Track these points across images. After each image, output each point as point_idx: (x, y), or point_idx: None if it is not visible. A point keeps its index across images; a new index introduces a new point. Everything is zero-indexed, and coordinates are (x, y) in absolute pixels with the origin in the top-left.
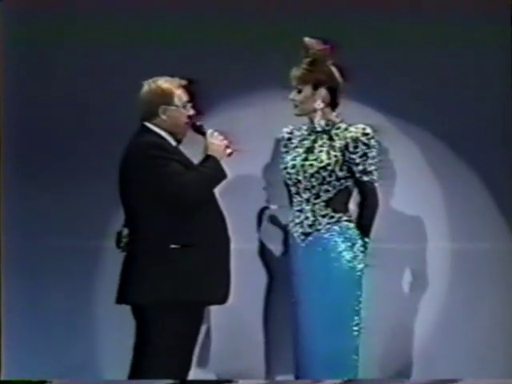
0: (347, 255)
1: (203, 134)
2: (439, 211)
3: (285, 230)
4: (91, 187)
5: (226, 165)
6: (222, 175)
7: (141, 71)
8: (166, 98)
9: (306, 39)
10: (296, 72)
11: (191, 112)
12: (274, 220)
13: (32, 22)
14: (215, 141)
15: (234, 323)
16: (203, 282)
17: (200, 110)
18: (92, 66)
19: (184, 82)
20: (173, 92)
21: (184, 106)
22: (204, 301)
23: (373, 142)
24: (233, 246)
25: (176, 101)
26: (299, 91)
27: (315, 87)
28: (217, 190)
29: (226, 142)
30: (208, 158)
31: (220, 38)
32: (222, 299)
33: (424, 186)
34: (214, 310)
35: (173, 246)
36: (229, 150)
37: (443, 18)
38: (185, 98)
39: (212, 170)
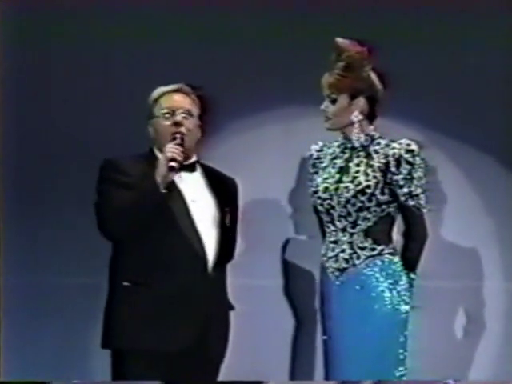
0: (390, 295)
1: None
2: (492, 243)
3: (315, 267)
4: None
5: (243, 188)
6: (153, 193)
7: (145, 74)
8: (149, 110)
9: (339, 40)
10: (329, 78)
11: (178, 118)
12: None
13: (32, 21)
14: (161, 154)
15: (256, 369)
16: (155, 327)
17: (186, 117)
18: (93, 67)
19: (175, 87)
20: (154, 102)
21: (170, 114)
22: (154, 348)
23: (418, 160)
24: (254, 282)
25: (155, 111)
26: (333, 101)
27: (353, 97)
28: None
29: (173, 153)
30: (146, 178)
31: (238, 49)
32: (180, 347)
33: (474, 212)
34: (233, 353)
35: (125, 283)
36: (171, 164)
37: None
38: (165, 105)
39: (141, 194)
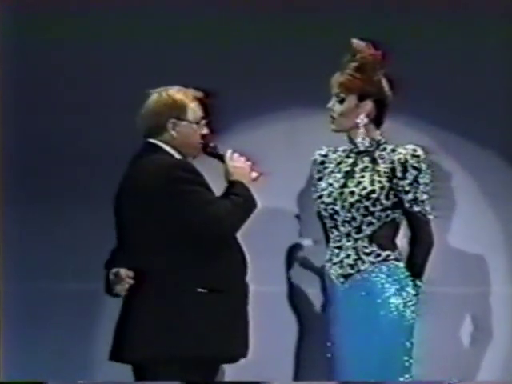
0: (396, 301)
1: (219, 156)
2: (499, 249)
3: (320, 272)
4: (92, 223)
5: None
6: (253, 204)
7: (148, 75)
8: (177, 110)
9: (355, 41)
10: (340, 77)
11: (205, 131)
12: (305, 263)
13: (32, 21)
14: (238, 163)
15: (261, 372)
16: (226, 335)
17: (213, 129)
18: (93, 68)
19: (200, 94)
20: (186, 104)
21: (197, 123)
22: (224, 357)
23: (424, 165)
24: (258, 288)
25: (189, 115)
26: (341, 101)
27: (361, 98)
28: None
29: (249, 163)
30: (235, 185)
31: (243, 48)
32: (241, 355)
33: (482, 218)
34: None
35: (200, 289)
36: (254, 174)
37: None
38: (199, 113)
39: (243, 199)
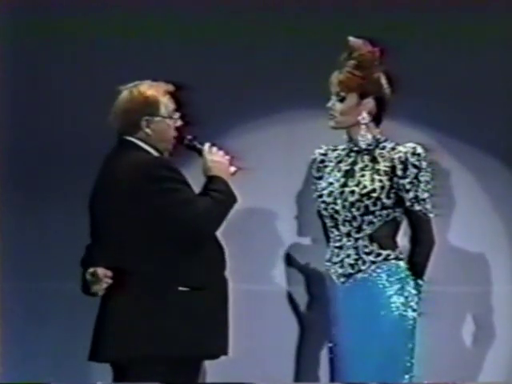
0: (397, 301)
1: (197, 149)
2: (500, 248)
3: (320, 272)
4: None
5: (246, 192)
6: (233, 200)
7: (148, 75)
8: (150, 107)
9: (352, 39)
10: (339, 76)
11: (178, 123)
12: (292, 262)
13: (31, 21)
14: (217, 157)
15: (261, 373)
16: (207, 332)
17: (188, 121)
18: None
19: (171, 87)
20: (158, 100)
21: (171, 117)
22: (205, 355)
23: (424, 163)
24: (256, 287)
25: (162, 110)
26: (341, 99)
27: (362, 96)
28: (230, 222)
29: (227, 157)
30: (214, 180)
31: (243, 51)
32: (222, 352)
33: (483, 217)
34: (237, 361)
35: (181, 288)
36: (233, 169)
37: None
38: (171, 106)
39: (224, 196)
